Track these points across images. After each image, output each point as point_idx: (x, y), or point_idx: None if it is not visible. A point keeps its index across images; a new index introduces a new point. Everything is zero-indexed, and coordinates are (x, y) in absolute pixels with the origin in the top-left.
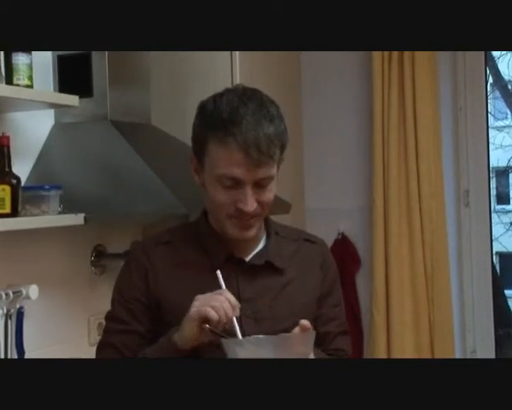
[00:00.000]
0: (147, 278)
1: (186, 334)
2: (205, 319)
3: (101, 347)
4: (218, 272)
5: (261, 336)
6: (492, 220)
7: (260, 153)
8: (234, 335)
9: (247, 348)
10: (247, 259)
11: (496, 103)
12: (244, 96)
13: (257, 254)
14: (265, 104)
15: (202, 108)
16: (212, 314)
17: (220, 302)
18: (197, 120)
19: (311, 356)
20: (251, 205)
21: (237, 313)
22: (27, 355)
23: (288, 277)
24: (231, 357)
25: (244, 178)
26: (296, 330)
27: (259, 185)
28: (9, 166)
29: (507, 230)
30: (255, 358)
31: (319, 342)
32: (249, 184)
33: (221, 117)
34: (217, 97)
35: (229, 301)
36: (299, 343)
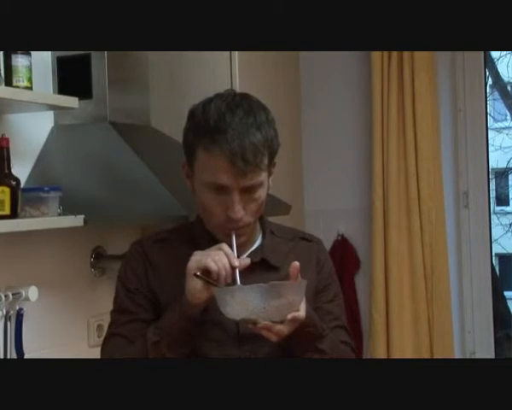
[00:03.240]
0: (146, 271)
1: (189, 288)
2: (205, 271)
3: (108, 338)
4: (233, 232)
5: (253, 285)
6: (492, 222)
7: (246, 162)
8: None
9: (237, 296)
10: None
11: (495, 105)
12: (232, 103)
13: (252, 252)
14: (254, 111)
15: (192, 114)
16: (212, 265)
17: (218, 254)
18: (187, 125)
19: (303, 305)
20: (238, 212)
21: (237, 264)
22: (26, 357)
23: (283, 274)
24: (223, 307)
25: (230, 185)
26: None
27: (247, 192)
28: (9, 168)
29: (506, 231)
30: (246, 305)
31: None
32: (236, 190)
33: (208, 124)
34: (206, 103)
35: (227, 255)
36: (290, 292)
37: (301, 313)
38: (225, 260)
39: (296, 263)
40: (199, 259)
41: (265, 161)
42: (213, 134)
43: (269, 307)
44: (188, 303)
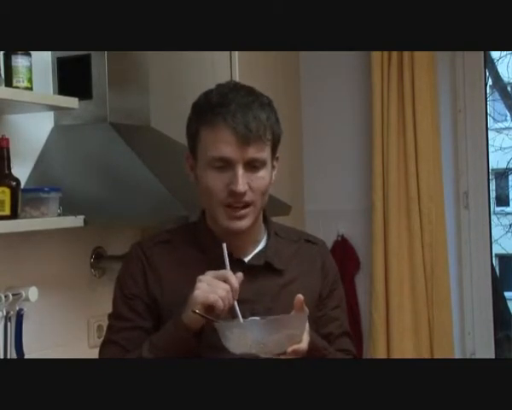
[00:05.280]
0: (145, 275)
1: (191, 315)
2: (210, 306)
3: (103, 345)
4: (224, 245)
5: (253, 318)
6: (492, 222)
7: (248, 131)
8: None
9: (235, 332)
10: (247, 260)
11: (495, 105)
12: (235, 87)
13: (256, 254)
14: (256, 93)
15: (195, 104)
16: (219, 304)
17: (225, 290)
18: (190, 115)
19: (305, 335)
20: (242, 185)
21: (236, 296)
22: (27, 357)
23: (287, 278)
24: (224, 341)
25: (234, 157)
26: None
27: (250, 168)
28: (9, 169)
29: (506, 232)
30: (245, 341)
31: None
32: (239, 163)
33: (211, 103)
34: (208, 92)
35: (232, 287)
36: (289, 325)
37: (303, 344)
38: (230, 295)
39: (300, 296)
40: (206, 294)
41: (268, 136)
42: (216, 108)
43: (268, 342)
44: (184, 327)
